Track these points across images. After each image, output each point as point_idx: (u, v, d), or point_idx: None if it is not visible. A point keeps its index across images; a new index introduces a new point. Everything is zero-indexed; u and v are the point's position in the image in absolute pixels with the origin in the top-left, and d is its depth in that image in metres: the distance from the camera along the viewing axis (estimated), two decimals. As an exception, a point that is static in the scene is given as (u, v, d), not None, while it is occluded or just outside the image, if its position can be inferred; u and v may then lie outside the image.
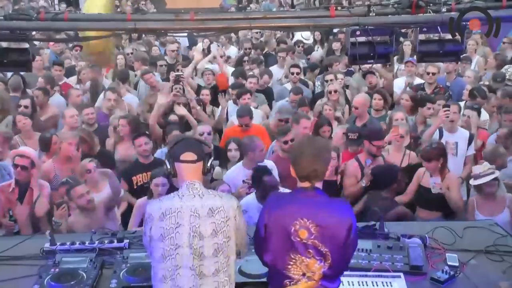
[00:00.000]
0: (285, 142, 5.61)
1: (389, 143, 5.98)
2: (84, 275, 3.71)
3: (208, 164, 3.14)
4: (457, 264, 3.86)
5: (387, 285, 3.63)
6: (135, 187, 5.71)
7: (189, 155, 3.06)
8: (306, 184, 3.05)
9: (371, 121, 6.66)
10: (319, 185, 3.10)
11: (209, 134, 6.07)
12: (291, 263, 3.03)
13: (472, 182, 5.08)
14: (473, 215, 5.01)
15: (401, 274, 3.74)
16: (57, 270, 3.77)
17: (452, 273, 3.72)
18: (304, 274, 3.02)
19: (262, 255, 3.15)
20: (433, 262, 3.92)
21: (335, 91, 7.30)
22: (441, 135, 6.10)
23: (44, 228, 4.86)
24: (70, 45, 10.39)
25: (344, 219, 3.00)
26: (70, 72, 9.26)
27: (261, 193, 4.77)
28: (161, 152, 6.07)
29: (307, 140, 3.19)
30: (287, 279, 3.04)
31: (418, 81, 8.20)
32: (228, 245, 2.98)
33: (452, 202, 5.20)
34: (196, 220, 2.94)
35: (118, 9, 14.29)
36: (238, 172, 5.47)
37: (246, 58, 9.84)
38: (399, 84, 8.13)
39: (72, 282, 3.62)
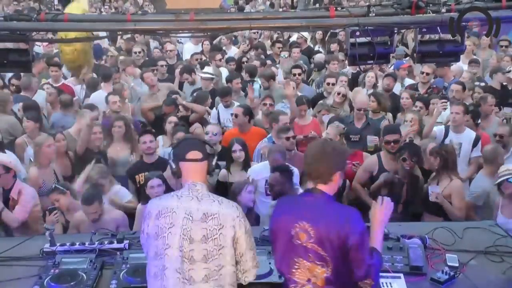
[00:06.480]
0: (287, 139, 5.65)
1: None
2: (84, 276, 3.71)
3: (213, 164, 3.13)
4: (457, 264, 3.86)
5: (387, 286, 3.62)
6: (138, 185, 5.69)
7: (194, 154, 3.04)
8: (311, 185, 3.06)
9: (371, 122, 6.63)
10: (327, 189, 3.02)
11: (215, 134, 6.09)
12: (296, 267, 3.01)
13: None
14: (495, 216, 4.89)
15: (401, 275, 3.74)
16: (57, 271, 3.77)
17: (452, 273, 3.72)
18: (309, 280, 2.99)
19: (274, 260, 3.16)
20: (433, 262, 3.92)
21: (343, 94, 7.22)
22: (446, 134, 6.06)
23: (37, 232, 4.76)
24: None
25: (341, 225, 2.86)
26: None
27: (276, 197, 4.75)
28: (164, 153, 6.07)
29: (321, 142, 3.20)
30: (293, 284, 3.03)
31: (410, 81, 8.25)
32: (220, 254, 2.88)
33: (449, 211, 5.06)
34: (188, 223, 2.90)
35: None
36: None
37: (245, 58, 9.83)
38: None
39: (72, 283, 3.62)
